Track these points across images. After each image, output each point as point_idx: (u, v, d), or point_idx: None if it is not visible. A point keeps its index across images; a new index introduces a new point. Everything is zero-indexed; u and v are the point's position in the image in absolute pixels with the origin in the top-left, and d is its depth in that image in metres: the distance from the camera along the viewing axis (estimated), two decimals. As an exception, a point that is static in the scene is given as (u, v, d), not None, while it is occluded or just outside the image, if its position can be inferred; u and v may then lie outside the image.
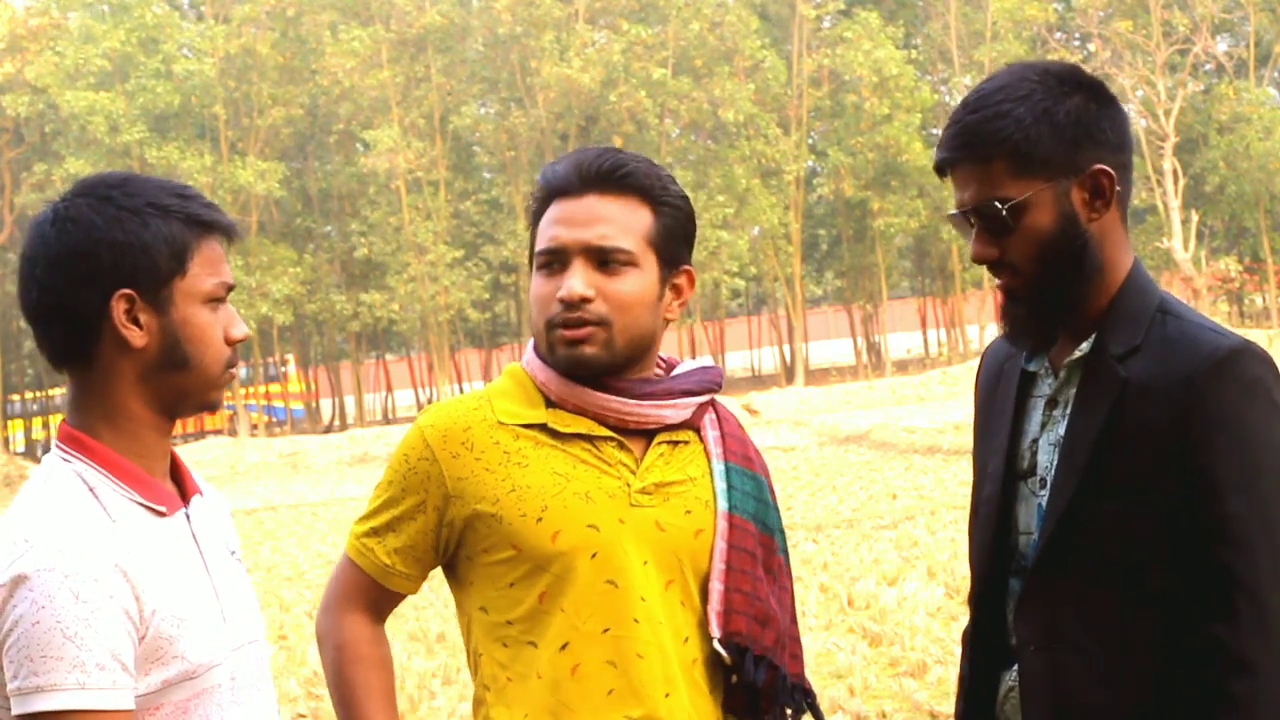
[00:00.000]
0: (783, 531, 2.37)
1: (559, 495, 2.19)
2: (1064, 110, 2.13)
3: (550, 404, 2.26)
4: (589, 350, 2.21)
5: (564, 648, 2.18)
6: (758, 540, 2.29)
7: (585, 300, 2.19)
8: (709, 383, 2.31)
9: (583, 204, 2.23)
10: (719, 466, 2.29)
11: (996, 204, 2.14)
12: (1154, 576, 2.09)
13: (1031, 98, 2.13)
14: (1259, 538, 2.04)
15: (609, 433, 2.23)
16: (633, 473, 2.23)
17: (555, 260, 2.23)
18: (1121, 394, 2.11)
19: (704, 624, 2.24)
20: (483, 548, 2.22)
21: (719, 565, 2.25)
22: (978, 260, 2.20)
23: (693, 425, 2.30)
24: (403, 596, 2.31)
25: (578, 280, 2.20)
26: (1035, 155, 2.12)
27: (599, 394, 2.22)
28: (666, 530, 2.22)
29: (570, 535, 2.18)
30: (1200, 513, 2.05)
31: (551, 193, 2.26)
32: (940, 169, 2.20)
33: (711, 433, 2.32)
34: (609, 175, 2.23)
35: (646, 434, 2.26)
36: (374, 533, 2.28)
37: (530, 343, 2.33)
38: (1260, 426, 2.07)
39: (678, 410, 2.27)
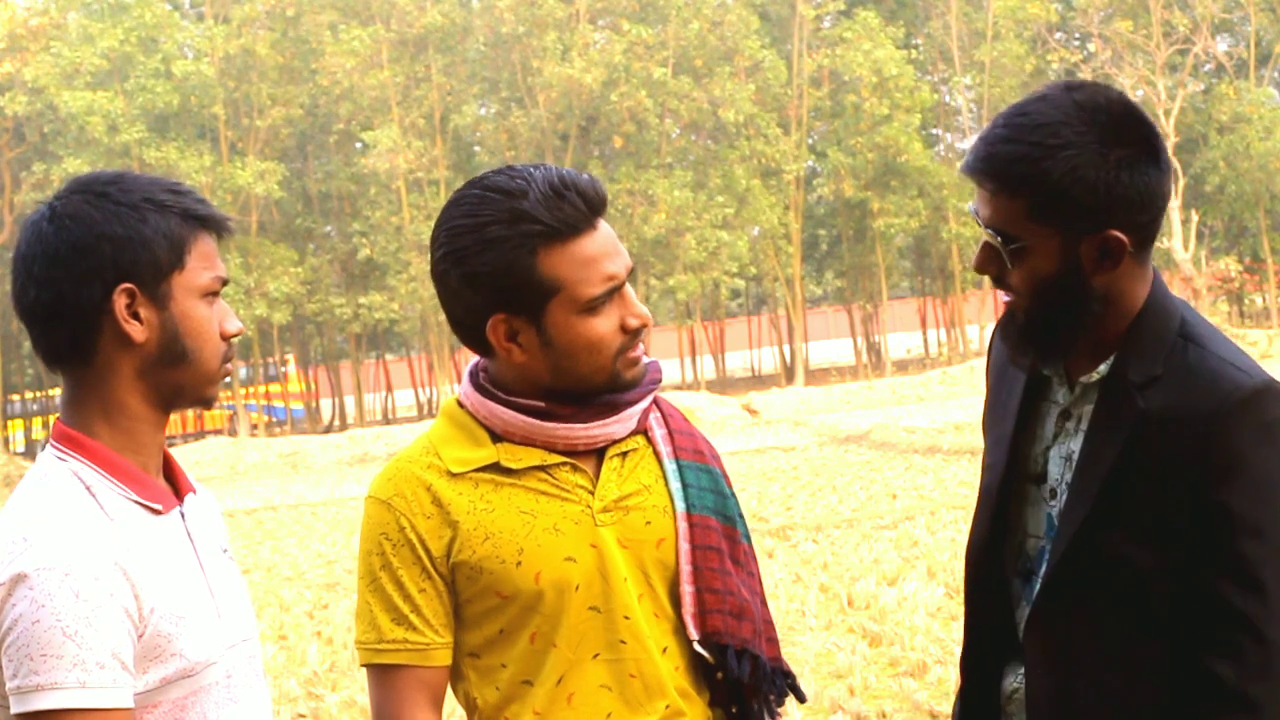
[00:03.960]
0: (743, 518, 2.36)
1: (530, 534, 2.17)
2: (1097, 174, 2.06)
3: (496, 438, 2.23)
4: (645, 364, 2.24)
5: (559, 681, 2.18)
6: (721, 534, 2.29)
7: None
8: (651, 384, 2.28)
9: (600, 235, 2.17)
10: (671, 467, 2.29)
11: (1002, 238, 2.12)
12: (1164, 609, 2.08)
13: (1068, 148, 2.06)
14: (1270, 580, 2.03)
15: (560, 458, 2.21)
16: (591, 493, 2.22)
17: (609, 296, 2.18)
18: (1139, 425, 2.09)
19: (680, 631, 2.24)
20: (466, 599, 2.20)
21: (686, 568, 2.24)
22: (978, 271, 2.20)
23: (639, 428, 2.29)
24: (447, 671, 2.23)
25: (641, 305, 2.21)
26: (1053, 210, 2.08)
27: (548, 423, 2.20)
28: (629, 546, 2.22)
29: (551, 572, 2.17)
30: (1212, 551, 2.05)
31: (561, 233, 2.13)
32: (967, 174, 2.17)
33: (659, 431, 2.31)
34: (604, 199, 2.19)
35: (597, 451, 2.25)
36: (397, 623, 2.18)
37: (467, 375, 2.28)
38: (1278, 469, 2.06)
39: (623, 424, 2.24)
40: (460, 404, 2.28)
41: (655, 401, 2.33)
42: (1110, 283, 2.13)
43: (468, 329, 2.21)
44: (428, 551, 2.18)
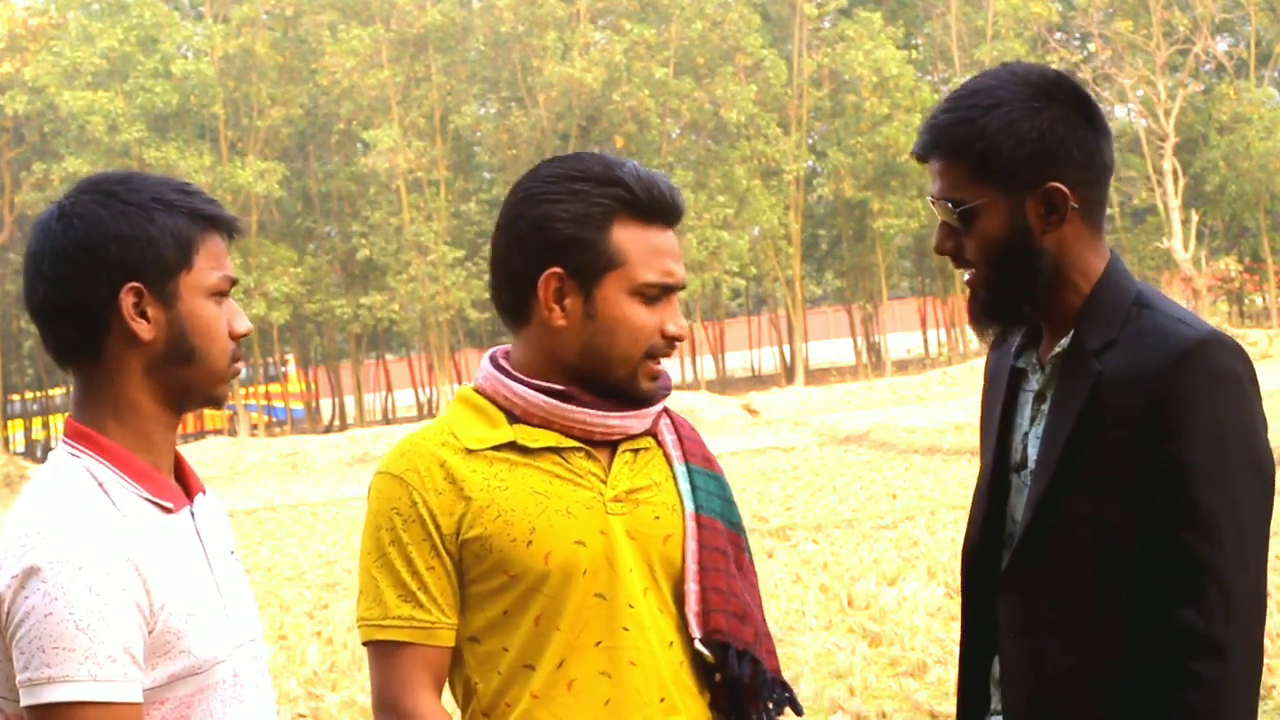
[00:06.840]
0: (745, 531, 2.39)
1: (542, 514, 2.19)
2: (1030, 125, 2.17)
3: (513, 420, 2.25)
4: (664, 380, 2.30)
5: (560, 665, 2.18)
6: (727, 538, 2.31)
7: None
8: (663, 390, 2.32)
9: (671, 238, 2.25)
10: (681, 469, 2.32)
11: (951, 204, 2.21)
12: (1126, 563, 2.14)
13: (1001, 107, 2.17)
14: (1226, 524, 2.09)
15: (576, 443, 2.24)
16: (603, 482, 2.24)
17: (661, 293, 2.23)
18: (1096, 387, 2.16)
19: (682, 628, 2.26)
20: (471, 578, 2.20)
21: (692, 566, 2.26)
22: (937, 250, 2.28)
23: (650, 432, 2.32)
24: (450, 653, 2.22)
25: (683, 319, 2.27)
26: (993, 166, 2.18)
27: (569, 407, 2.23)
28: (637, 539, 2.24)
29: (560, 554, 2.18)
30: (1169, 500, 2.11)
31: (644, 212, 2.22)
32: (917, 157, 2.27)
33: (669, 436, 2.34)
34: (683, 211, 2.27)
35: (610, 444, 2.27)
36: (404, 600, 2.18)
37: (486, 360, 2.31)
38: (1228, 415, 2.12)
39: (640, 420, 2.28)
40: (477, 390, 2.30)
41: (666, 411, 2.37)
42: (1061, 244, 2.20)
43: (516, 284, 2.24)
44: (438, 528, 2.19)
